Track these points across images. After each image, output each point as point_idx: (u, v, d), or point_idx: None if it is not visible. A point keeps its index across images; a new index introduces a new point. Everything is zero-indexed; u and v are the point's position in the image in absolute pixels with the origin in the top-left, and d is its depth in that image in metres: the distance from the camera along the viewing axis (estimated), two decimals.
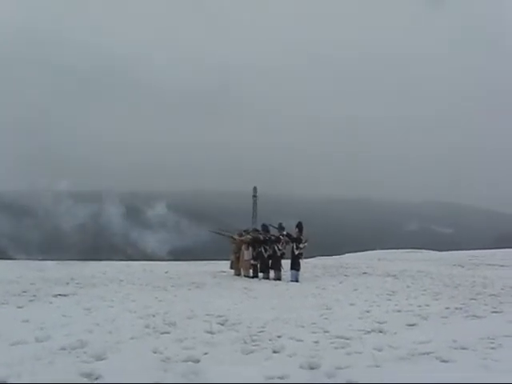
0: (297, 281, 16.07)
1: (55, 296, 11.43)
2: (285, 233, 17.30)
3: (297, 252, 16.84)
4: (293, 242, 16.94)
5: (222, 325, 7.88)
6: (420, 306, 10.04)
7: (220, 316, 8.59)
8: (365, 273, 18.87)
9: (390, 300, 11.21)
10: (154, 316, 8.53)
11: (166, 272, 18.91)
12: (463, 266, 22.56)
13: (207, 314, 8.77)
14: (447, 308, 9.76)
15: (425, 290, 13.07)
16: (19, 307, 9.66)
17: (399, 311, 9.46)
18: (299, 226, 17.29)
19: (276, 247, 17.22)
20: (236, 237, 19.16)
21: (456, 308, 9.75)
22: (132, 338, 6.73)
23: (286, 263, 17.01)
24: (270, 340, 6.70)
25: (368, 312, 9.28)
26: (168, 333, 7.17)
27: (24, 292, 11.98)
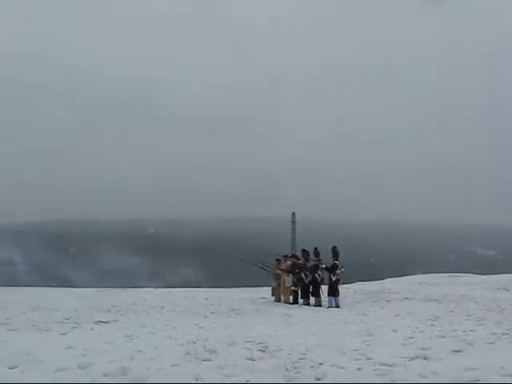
0: (337, 307, 15.94)
1: (97, 323, 11.57)
2: (323, 266, 17.24)
3: (334, 278, 16.75)
4: (330, 272, 16.87)
5: (263, 352, 7.83)
6: (465, 332, 9.80)
7: (261, 343, 8.54)
8: (406, 298, 18.56)
9: (433, 325, 10.99)
10: (194, 343, 8.53)
11: (206, 299, 18.95)
12: (508, 290, 21.96)
13: (248, 341, 8.74)
14: (493, 333, 9.49)
15: (469, 315, 12.77)
16: (62, 334, 9.80)
17: (443, 337, 9.25)
18: (334, 250, 17.22)
19: (316, 273, 17.15)
20: (274, 269, 19.27)
21: (502, 333, 9.46)
22: (173, 365, 6.74)
23: (325, 289, 16.90)
24: (311, 367, 6.63)
25: (411, 338, 9.10)
26: (209, 360, 7.16)
27: (66, 319, 12.16)
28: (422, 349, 7.77)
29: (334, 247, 17.33)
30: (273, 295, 19.20)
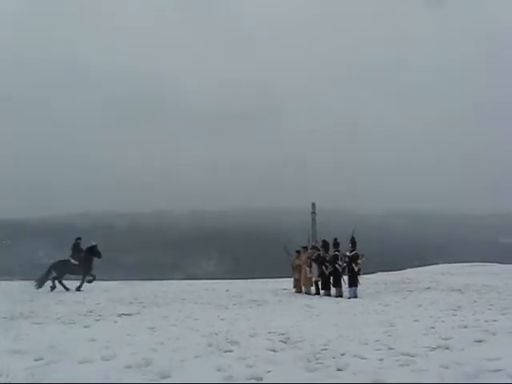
0: (355, 297, 15.92)
1: (120, 315, 11.67)
2: (346, 253, 17.18)
3: (356, 268, 16.73)
4: (351, 262, 16.82)
5: (285, 343, 7.86)
6: (487, 322, 9.71)
7: (282, 334, 8.57)
8: (428, 288, 18.46)
9: (455, 315, 10.91)
10: (216, 334, 8.59)
11: (227, 290, 19.03)
12: None
13: (269, 332, 8.78)
14: None
15: (491, 305, 12.66)
16: (86, 326, 9.92)
17: (465, 327, 9.18)
18: (352, 240, 17.18)
19: (337, 264, 17.13)
20: (294, 260, 19.43)
21: None
22: (196, 357, 6.80)
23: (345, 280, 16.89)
24: (333, 358, 6.64)
25: (433, 328, 9.06)
26: (231, 351, 7.21)
27: (90, 312, 12.30)
28: (443, 339, 7.75)
29: (353, 237, 17.29)
30: (294, 286, 19.26)
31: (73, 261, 19.44)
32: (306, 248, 19.59)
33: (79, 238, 20.47)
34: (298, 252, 19.84)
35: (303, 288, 18.68)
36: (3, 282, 23.61)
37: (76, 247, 19.96)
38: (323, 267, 17.47)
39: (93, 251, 20.04)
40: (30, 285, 18.81)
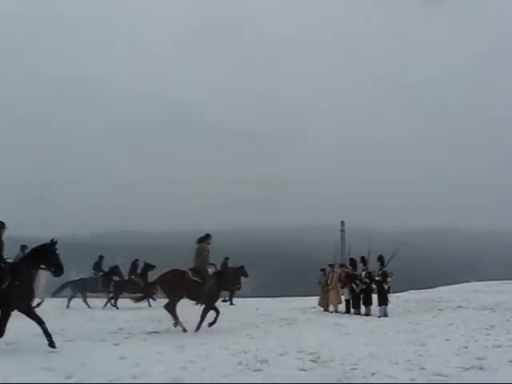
0: (386, 315, 15.76)
1: (149, 333, 11.71)
2: (376, 278, 17.01)
3: (386, 287, 16.58)
4: (382, 281, 16.67)
5: (315, 362, 7.80)
6: None
7: (312, 353, 8.51)
8: (459, 306, 18.19)
9: (488, 335, 10.72)
10: (246, 353, 8.55)
11: (257, 309, 18.97)
12: None
13: (299, 351, 8.72)
14: None
15: None
16: (116, 344, 9.96)
17: (499, 346, 9.02)
18: (381, 259, 17.03)
19: (374, 282, 16.97)
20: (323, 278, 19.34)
21: None
22: (225, 376, 6.78)
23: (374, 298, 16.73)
24: (364, 377, 6.58)
25: (466, 348, 8.91)
26: (260, 370, 7.18)
27: (120, 329, 12.37)
28: (477, 359, 7.62)
29: (381, 256, 17.15)
30: (321, 305, 19.14)
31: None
32: (332, 266, 19.52)
33: (102, 257, 20.89)
34: (323, 270, 19.80)
35: (332, 307, 18.54)
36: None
37: (98, 265, 20.67)
38: (353, 285, 17.33)
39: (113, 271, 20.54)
40: (60, 302, 19.01)
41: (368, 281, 16.85)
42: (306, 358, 8.03)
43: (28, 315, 9.04)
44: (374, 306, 16.74)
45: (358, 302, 17.31)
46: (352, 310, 17.41)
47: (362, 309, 17.06)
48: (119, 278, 20.68)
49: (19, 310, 8.98)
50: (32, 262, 9.24)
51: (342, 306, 18.22)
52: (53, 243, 9.20)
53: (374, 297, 16.95)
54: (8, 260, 9.29)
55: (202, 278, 12.71)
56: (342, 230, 30.47)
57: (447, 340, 10.01)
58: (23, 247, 18.47)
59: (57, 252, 9.23)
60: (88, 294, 20.58)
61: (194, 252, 13.19)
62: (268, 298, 24.43)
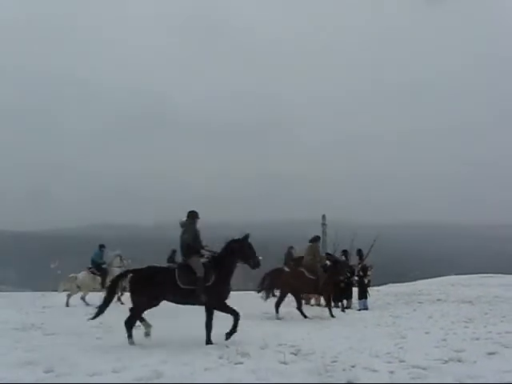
0: (366, 309, 15.85)
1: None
2: (356, 273, 17.07)
3: (366, 280, 16.69)
4: (363, 274, 16.76)
5: (295, 355, 7.83)
6: (500, 334, 9.65)
7: (293, 346, 8.54)
8: (439, 299, 18.38)
9: (467, 327, 10.85)
10: (227, 347, 8.55)
11: (238, 302, 18.93)
12: None
13: (280, 344, 8.75)
14: None
15: (504, 317, 12.59)
16: (97, 338, 9.93)
17: (478, 339, 9.13)
18: (359, 253, 17.11)
19: (355, 276, 17.04)
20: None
21: None
22: (206, 369, 6.76)
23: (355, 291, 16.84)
24: (344, 370, 6.61)
25: (445, 340, 9.00)
26: (241, 363, 7.18)
27: (100, 323, 12.29)
28: (455, 351, 7.70)
29: (359, 250, 17.22)
30: (303, 299, 19.15)
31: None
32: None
33: (175, 250, 18.99)
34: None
35: (313, 300, 18.58)
36: (14, 293, 23.70)
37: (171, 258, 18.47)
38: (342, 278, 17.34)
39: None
40: (41, 296, 18.85)
41: (349, 274, 16.92)
42: (286, 351, 8.05)
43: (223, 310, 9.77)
44: (354, 300, 16.84)
45: (338, 295, 17.36)
46: (332, 304, 17.46)
47: (344, 302, 17.13)
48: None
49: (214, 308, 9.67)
50: (232, 256, 9.77)
51: (322, 300, 18.25)
52: (246, 237, 9.78)
53: (355, 290, 17.05)
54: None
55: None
56: (324, 224, 30.48)
57: (427, 333, 10.12)
58: (101, 247, 19.23)
59: (252, 245, 9.83)
60: None
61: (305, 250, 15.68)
62: (248, 292, 24.38)
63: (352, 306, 16.70)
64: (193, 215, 10.06)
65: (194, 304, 9.60)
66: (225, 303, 9.69)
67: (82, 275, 18.71)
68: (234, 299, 10.40)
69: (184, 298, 9.51)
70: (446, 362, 7.02)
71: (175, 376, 6.29)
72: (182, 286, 9.31)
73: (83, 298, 18.32)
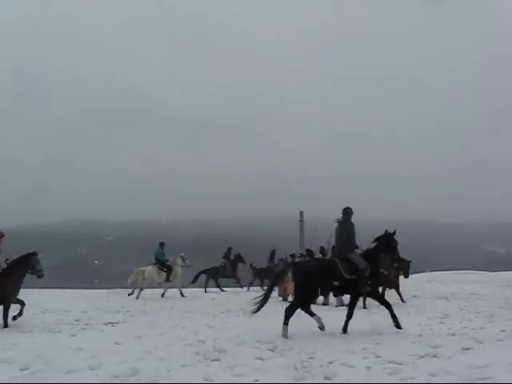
0: (343, 305, 15.89)
1: (106, 324, 11.60)
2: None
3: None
4: None
5: (272, 351, 7.84)
6: (474, 329, 9.78)
7: (269, 342, 8.55)
8: (415, 296, 18.49)
9: (442, 323, 10.96)
10: (204, 343, 8.54)
11: (214, 299, 18.94)
12: None
13: (257, 341, 8.74)
14: (503, 331, 9.46)
15: (479, 313, 12.73)
16: (72, 335, 9.87)
17: (453, 335, 9.23)
18: (322, 251, 17.10)
19: None
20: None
21: None
22: (183, 366, 6.76)
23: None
24: (321, 366, 6.63)
25: (420, 336, 9.08)
26: (218, 360, 7.18)
27: (76, 321, 12.22)
28: (431, 347, 7.77)
29: (322, 247, 17.22)
30: (280, 295, 19.15)
31: None
32: (293, 256, 19.59)
33: (230, 248, 24.91)
34: (282, 260, 19.93)
35: (290, 297, 18.58)
36: None
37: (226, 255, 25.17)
38: None
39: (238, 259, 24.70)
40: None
41: None
42: (263, 347, 8.06)
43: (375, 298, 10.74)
44: (332, 296, 16.86)
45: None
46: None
47: (320, 299, 17.15)
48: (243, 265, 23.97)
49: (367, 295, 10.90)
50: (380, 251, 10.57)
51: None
52: (393, 234, 10.57)
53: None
54: None
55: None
56: (301, 221, 30.58)
57: (403, 329, 10.18)
58: (161, 244, 20.91)
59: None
60: (219, 279, 23.97)
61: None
62: (227, 288, 24.40)
63: (329, 302, 16.71)
64: (347, 212, 10.61)
65: (353, 294, 10.36)
66: (379, 292, 10.86)
67: (150, 269, 20.09)
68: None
69: (346, 288, 10.18)
70: (422, 357, 7.08)
71: (152, 373, 6.26)
72: (346, 277, 9.83)
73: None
